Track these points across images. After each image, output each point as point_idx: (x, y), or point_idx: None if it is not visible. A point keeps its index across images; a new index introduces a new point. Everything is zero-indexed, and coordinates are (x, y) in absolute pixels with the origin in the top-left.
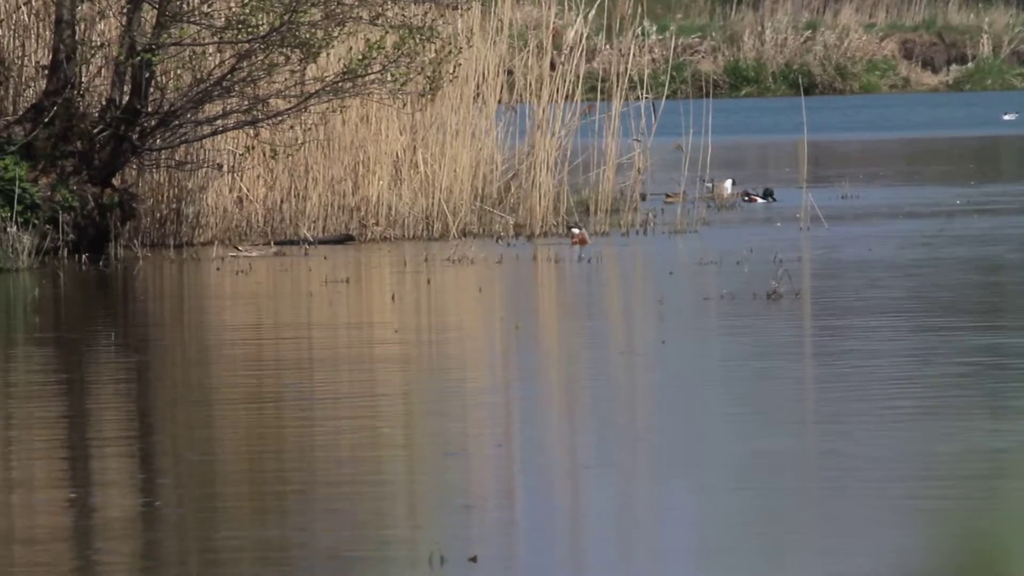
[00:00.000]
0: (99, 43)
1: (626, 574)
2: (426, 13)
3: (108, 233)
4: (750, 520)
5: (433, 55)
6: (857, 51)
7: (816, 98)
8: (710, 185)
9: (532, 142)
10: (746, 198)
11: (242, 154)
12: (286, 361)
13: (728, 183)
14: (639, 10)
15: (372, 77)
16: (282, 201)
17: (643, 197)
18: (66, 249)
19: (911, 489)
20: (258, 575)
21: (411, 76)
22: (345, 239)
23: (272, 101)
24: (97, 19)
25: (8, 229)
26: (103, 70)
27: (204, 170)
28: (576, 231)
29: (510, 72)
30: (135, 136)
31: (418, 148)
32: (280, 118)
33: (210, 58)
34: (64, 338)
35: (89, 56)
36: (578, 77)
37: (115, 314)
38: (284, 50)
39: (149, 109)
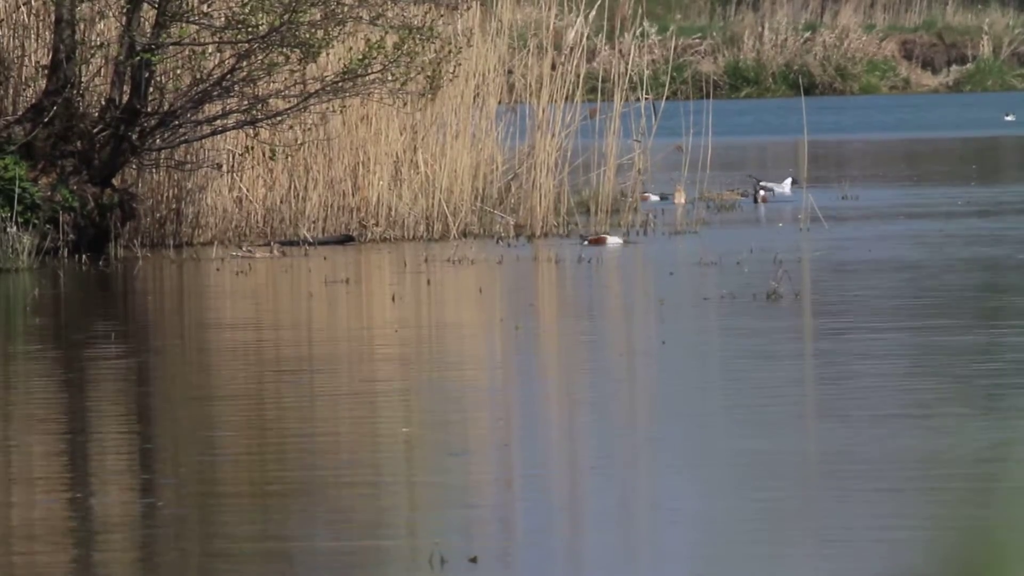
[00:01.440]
0: (99, 43)
1: (626, 575)
2: (426, 13)
3: (108, 233)
4: (750, 520)
5: (433, 55)
6: (857, 52)
7: (816, 99)
8: (771, 186)
9: (532, 143)
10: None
11: (241, 154)
12: (286, 361)
13: (787, 183)
14: (639, 11)
15: (372, 77)
16: (281, 201)
17: (663, 197)
18: (66, 249)
19: (911, 488)
20: (258, 575)
21: (411, 76)
22: (345, 240)
23: (272, 101)
24: (97, 19)
25: (8, 229)
26: (103, 70)
27: (204, 170)
28: (587, 240)
29: (510, 72)
30: (135, 136)
31: (418, 148)
32: (280, 118)
33: (210, 58)
34: (64, 338)
35: (89, 56)
36: (578, 77)
37: (115, 314)
38: (284, 50)
39: (149, 109)
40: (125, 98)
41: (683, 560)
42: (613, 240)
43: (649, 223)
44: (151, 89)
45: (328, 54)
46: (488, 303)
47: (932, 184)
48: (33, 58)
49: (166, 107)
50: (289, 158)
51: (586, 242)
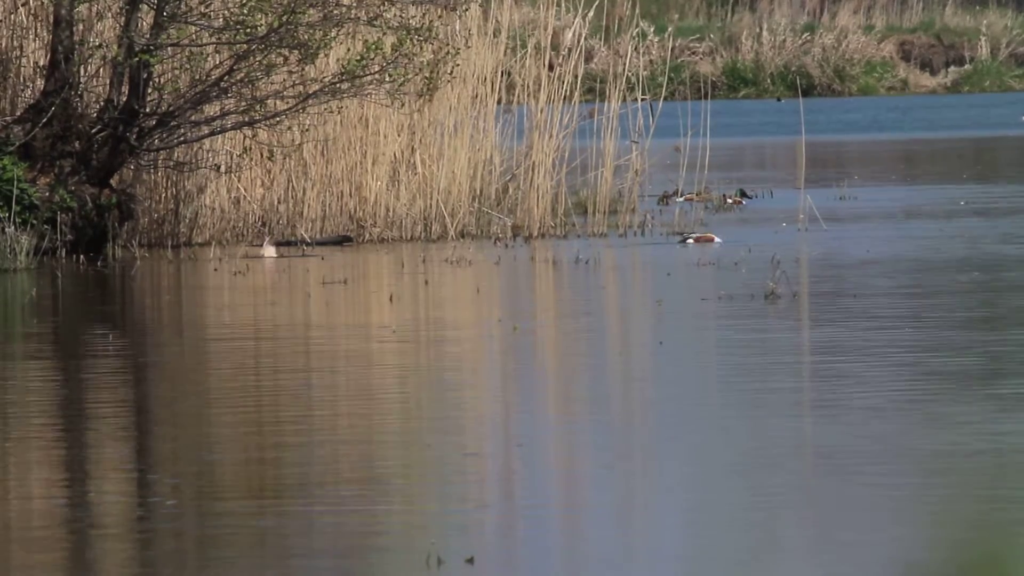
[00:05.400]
0: (97, 43)
1: (625, 575)
2: (424, 14)
3: (106, 233)
4: (750, 519)
5: (431, 55)
6: (855, 53)
7: (814, 100)
8: None
9: (530, 143)
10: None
11: (240, 155)
12: (284, 361)
13: None
14: (635, 11)
15: (370, 78)
16: (279, 202)
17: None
18: (64, 249)
19: (909, 487)
20: (255, 575)
21: (409, 77)
22: (343, 240)
23: (270, 102)
24: (95, 20)
25: (6, 229)
26: (101, 70)
27: (202, 171)
28: (690, 240)
29: (507, 73)
30: (133, 137)
31: (416, 149)
32: (278, 119)
33: (208, 59)
34: (62, 338)
35: (87, 56)
36: (576, 78)
37: (113, 314)
38: (282, 51)
39: (147, 110)
40: (123, 99)
41: (682, 559)
42: (717, 239)
43: (647, 224)
44: (149, 90)
45: (326, 55)
46: (486, 303)
47: (932, 184)
48: (31, 58)
49: (164, 108)
50: (287, 159)
51: (690, 240)
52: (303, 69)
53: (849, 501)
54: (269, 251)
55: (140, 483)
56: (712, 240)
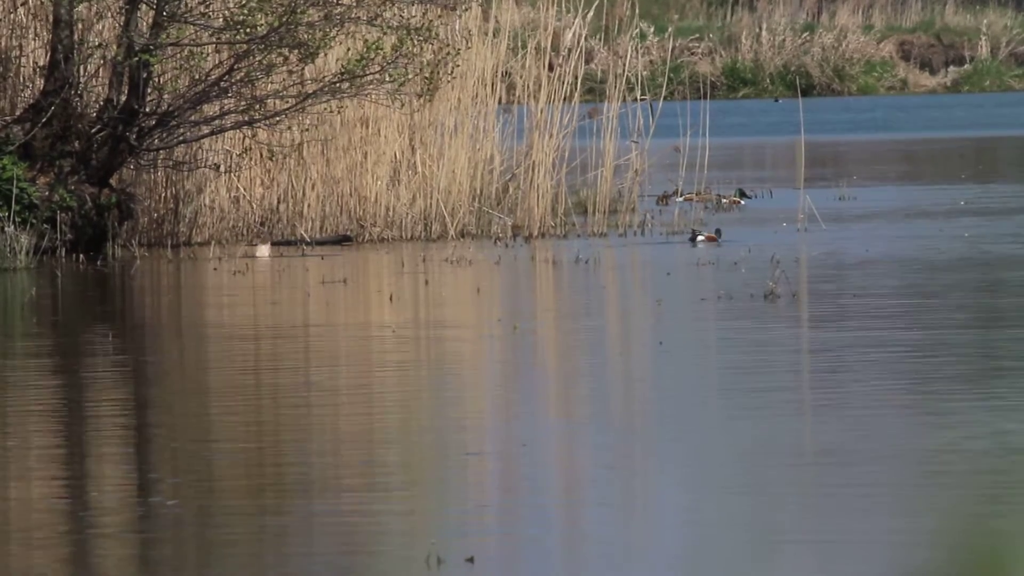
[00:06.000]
0: (97, 43)
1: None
2: (424, 14)
3: (106, 233)
4: (748, 521)
5: (431, 55)
6: (855, 52)
7: (814, 99)
8: None
9: (530, 143)
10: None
11: (239, 155)
12: (284, 361)
13: None
14: (635, 12)
15: (370, 78)
16: (279, 201)
17: (673, 194)
18: (64, 249)
19: (909, 487)
20: (256, 574)
21: (409, 77)
22: (343, 240)
23: (270, 101)
24: (95, 19)
25: (6, 229)
26: (101, 70)
27: (201, 170)
28: (701, 237)
29: (508, 73)
30: (133, 136)
31: (416, 149)
32: (278, 119)
33: (208, 59)
34: (61, 337)
35: (87, 56)
36: (576, 78)
37: (112, 314)
38: (282, 51)
39: (147, 109)
40: (123, 98)
41: (682, 560)
42: (721, 238)
43: (647, 223)
44: (149, 89)
45: (326, 54)
46: (486, 303)
47: (932, 184)
48: (31, 58)
49: (164, 107)
50: (287, 158)
51: (701, 237)
52: (303, 69)
53: (849, 501)
54: (262, 251)
55: (140, 483)
56: (716, 240)
